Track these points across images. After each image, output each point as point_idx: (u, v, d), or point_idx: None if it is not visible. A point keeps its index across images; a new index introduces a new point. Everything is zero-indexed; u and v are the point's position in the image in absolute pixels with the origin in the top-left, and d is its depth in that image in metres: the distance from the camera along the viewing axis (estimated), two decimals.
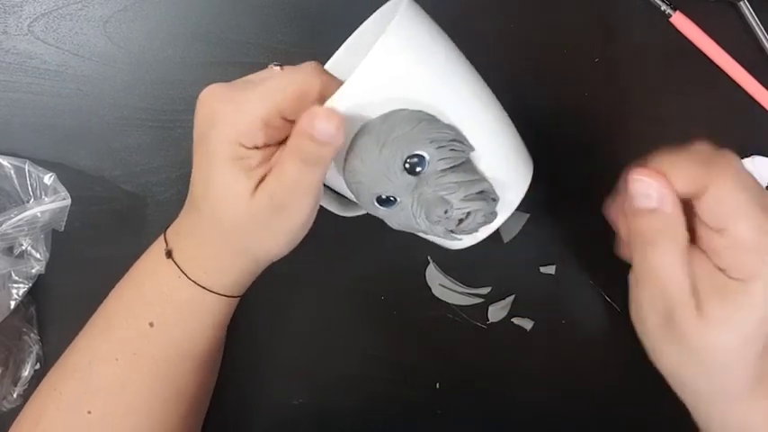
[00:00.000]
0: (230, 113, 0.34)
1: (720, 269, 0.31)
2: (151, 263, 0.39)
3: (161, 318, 0.38)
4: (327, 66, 0.41)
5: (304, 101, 0.34)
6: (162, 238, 0.39)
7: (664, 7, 0.43)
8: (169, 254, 0.38)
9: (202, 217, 0.36)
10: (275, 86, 0.34)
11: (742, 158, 0.43)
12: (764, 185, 0.44)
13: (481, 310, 0.45)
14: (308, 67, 0.35)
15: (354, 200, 0.35)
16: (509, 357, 0.45)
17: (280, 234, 0.36)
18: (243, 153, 0.34)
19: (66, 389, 0.38)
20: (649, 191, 0.32)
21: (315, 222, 0.44)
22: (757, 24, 0.43)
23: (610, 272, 0.45)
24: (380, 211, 0.34)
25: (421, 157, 0.32)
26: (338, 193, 0.39)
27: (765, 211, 0.31)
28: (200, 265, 0.37)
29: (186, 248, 0.38)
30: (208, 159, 0.35)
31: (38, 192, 0.42)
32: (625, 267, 0.45)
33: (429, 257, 0.44)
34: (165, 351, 0.38)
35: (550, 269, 0.45)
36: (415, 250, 0.44)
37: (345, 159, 0.33)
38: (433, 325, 0.45)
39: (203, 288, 0.37)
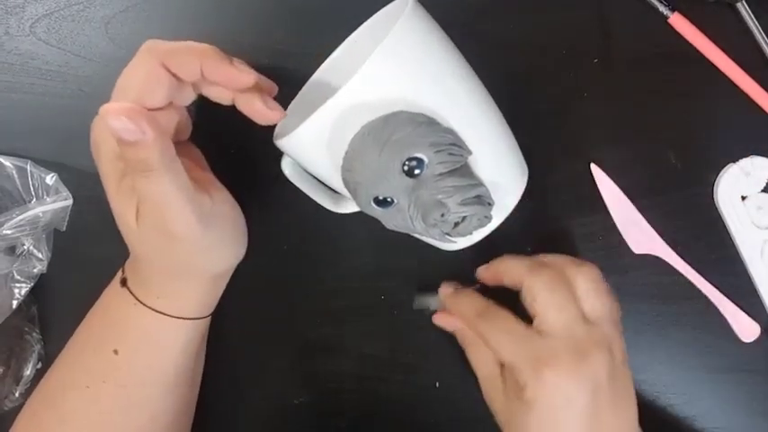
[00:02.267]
0: (102, 134, 0.34)
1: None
2: (113, 291, 0.39)
3: (124, 345, 0.38)
4: (327, 64, 0.41)
5: (155, 89, 0.33)
6: (122, 267, 0.39)
7: (662, 8, 0.43)
8: (124, 282, 0.38)
9: None
10: (120, 93, 0.33)
11: (741, 159, 0.44)
12: (763, 186, 0.44)
13: None
14: (142, 56, 0.33)
15: (349, 197, 0.35)
16: None
17: (194, 249, 0.36)
18: (123, 168, 0.34)
19: (46, 415, 0.38)
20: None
21: (314, 222, 0.44)
22: (755, 25, 0.43)
23: (609, 272, 0.45)
24: (377, 212, 0.34)
25: (419, 160, 0.32)
26: (332, 190, 0.39)
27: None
28: (152, 292, 0.37)
29: (138, 276, 0.38)
30: (105, 188, 0.35)
31: (40, 192, 0.42)
32: (623, 269, 0.45)
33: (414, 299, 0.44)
34: (132, 378, 0.38)
35: None
36: (415, 250, 0.44)
37: (344, 159, 0.33)
38: (432, 325, 0.45)
39: (160, 313, 0.37)
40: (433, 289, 0.42)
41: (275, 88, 0.38)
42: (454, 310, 0.40)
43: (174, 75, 0.33)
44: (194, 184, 0.34)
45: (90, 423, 0.38)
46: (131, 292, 0.38)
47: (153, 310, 0.37)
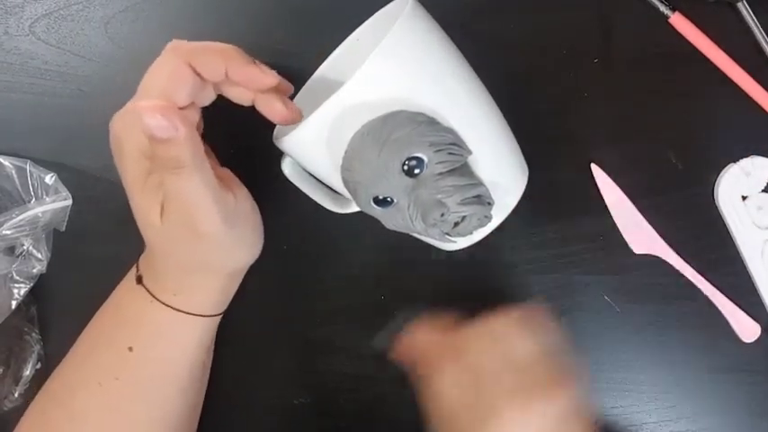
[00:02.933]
0: (126, 131, 0.34)
1: None
2: (127, 288, 0.39)
3: (139, 342, 0.38)
4: (328, 63, 0.41)
5: (179, 88, 0.33)
6: (136, 265, 0.39)
7: (662, 8, 0.43)
8: (139, 279, 0.38)
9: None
10: (145, 92, 0.33)
11: (741, 159, 0.44)
12: (763, 186, 0.44)
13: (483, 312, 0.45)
14: (167, 55, 0.34)
15: (349, 197, 0.35)
16: None
17: (217, 247, 0.36)
18: (149, 166, 0.34)
19: (55, 413, 0.38)
20: None
21: (314, 222, 0.44)
22: (756, 25, 0.43)
23: (609, 272, 0.45)
24: (377, 212, 0.34)
25: (419, 160, 0.32)
26: (332, 190, 0.39)
27: None
28: (168, 288, 0.37)
29: (153, 273, 0.38)
30: (126, 186, 0.35)
31: (39, 192, 0.42)
32: (623, 269, 0.45)
33: None
34: (146, 375, 0.38)
35: (548, 270, 0.45)
36: (415, 250, 0.44)
37: (344, 158, 0.33)
38: None
39: (176, 310, 0.37)
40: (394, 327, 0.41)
41: (291, 88, 0.38)
42: (412, 353, 0.39)
43: (197, 74, 0.33)
44: (219, 182, 0.35)
45: (101, 420, 0.38)
46: (147, 289, 0.38)
47: (169, 306, 0.37)
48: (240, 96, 0.36)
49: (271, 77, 0.34)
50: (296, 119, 0.35)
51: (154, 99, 0.32)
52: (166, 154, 0.31)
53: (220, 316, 0.41)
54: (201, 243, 0.35)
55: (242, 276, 0.41)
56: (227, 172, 0.39)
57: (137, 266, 0.39)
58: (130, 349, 0.38)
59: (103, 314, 0.40)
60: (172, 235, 0.34)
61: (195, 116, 0.36)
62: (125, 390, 0.38)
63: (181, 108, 0.34)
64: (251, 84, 0.34)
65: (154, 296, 0.37)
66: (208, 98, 0.36)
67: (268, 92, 0.35)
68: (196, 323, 0.38)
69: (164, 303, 0.37)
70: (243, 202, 0.37)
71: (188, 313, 0.38)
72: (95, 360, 0.39)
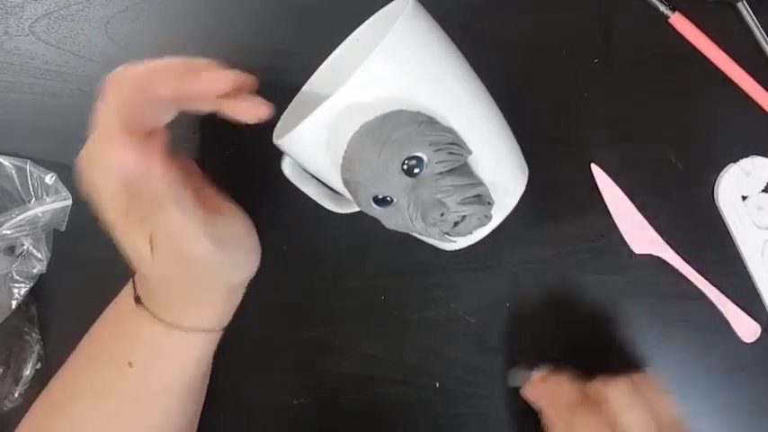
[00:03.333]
0: (98, 176, 0.32)
1: None
2: (125, 305, 0.39)
3: (138, 358, 0.38)
4: (328, 62, 0.41)
5: (135, 121, 0.32)
6: (132, 280, 0.39)
7: (662, 8, 0.43)
8: (138, 299, 0.38)
9: None
10: (104, 129, 0.32)
11: (741, 159, 0.44)
12: (763, 186, 0.44)
13: (483, 312, 0.45)
14: (112, 91, 0.32)
15: (349, 197, 0.35)
16: (509, 358, 0.45)
17: (212, 269, 0.36)
18: (127, 203, 0.33)
19: (55, 420, 0.38)
20: None
21: (314, 222, 0.44)
22: (756, 25, 0.43)
23: (609, 272, 0.45)
24: (376, 211, 0.34)
25: (419, 159, 0.32)
26: (332, 190, 0.39)
27: None
28: (168, 306, 0.37)
29: (152, 297, 0.38)
30: (112, 226, 0.34)
31: (39, 192, 0.42)
32: (623, 269, 0.45)
33: None
34: (145, 390, 0.38)
35: (548, 270, 0.45)
36: (415, 250, 0.44)
37: (344, 158, 0.33)
38: (433, 325, 0.45)
39: (176, 327, 0.37)
40: (529, 365, 0.42)
41: (254, 82, 0.36)
42: (546, 396, 0.39)
43: (150, 98, 0.32)
44: (204, 205, 0.34)
45: (99, 431, 0.38)
46: (147, 309, 0.38)
47: (169, 324, 0.37)
48: (201, 106, 0.34)
49: (223, 81, 0.32)
50: (263, 112, 0.33)
51: (116, 141, 0.31)
52: (144, 196, 0.31)
53: (219, 333, 0.41)
54: (196, 268, 0.35)
55: (242, 291, 0.41)
56: (212, 191, 0.38)
57: (133, 285, 0.39)
58: (130, 364, 0.38)
59: (103, 325, 0.40)
60: (165, 267, 0.34)
61: (162, 139, 0.34)
62: (123, 403, 0.38)
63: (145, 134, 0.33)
64: (205, 92, 0.33)
65: (154, 315, 0.37)
66: (168, 116, 0.35)
67: (230, 95, 0.33)
68: (197, 340, 0.38)
69: (164, 321, 0.37)
70: (232, 221, 0.37)
71: (188, 330, 0.38)
72: (94, 371, 0.39)
